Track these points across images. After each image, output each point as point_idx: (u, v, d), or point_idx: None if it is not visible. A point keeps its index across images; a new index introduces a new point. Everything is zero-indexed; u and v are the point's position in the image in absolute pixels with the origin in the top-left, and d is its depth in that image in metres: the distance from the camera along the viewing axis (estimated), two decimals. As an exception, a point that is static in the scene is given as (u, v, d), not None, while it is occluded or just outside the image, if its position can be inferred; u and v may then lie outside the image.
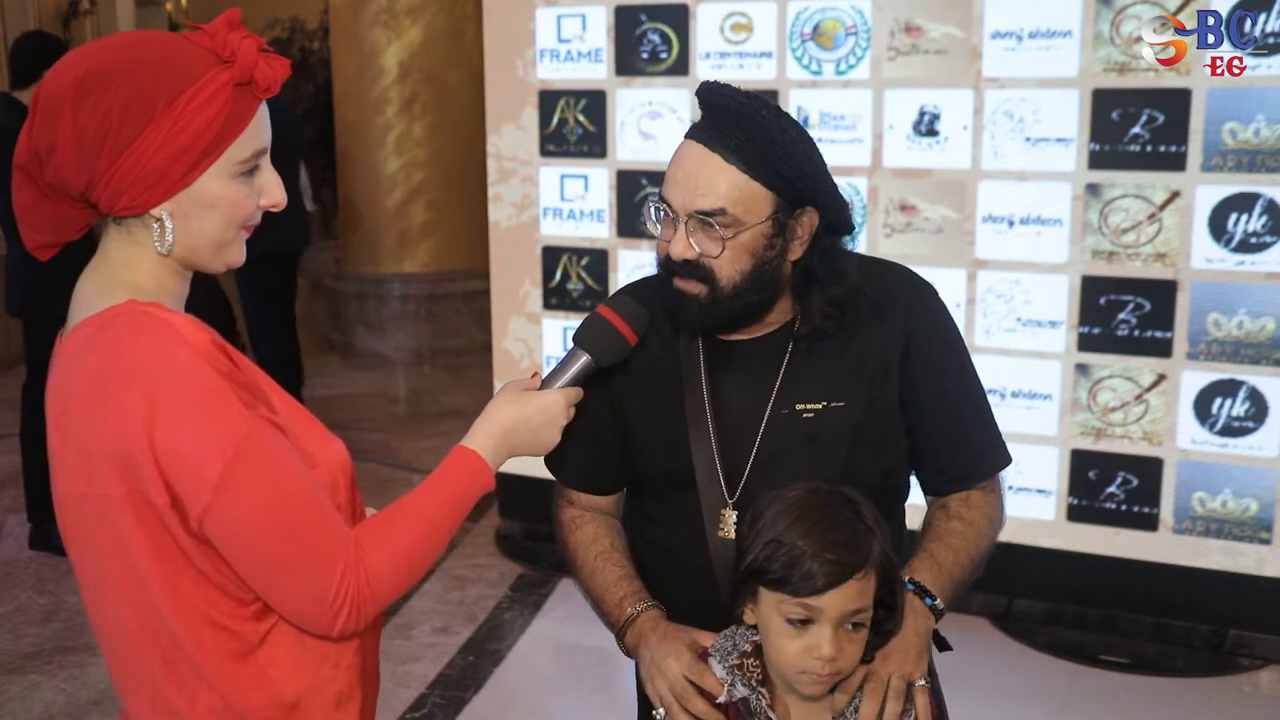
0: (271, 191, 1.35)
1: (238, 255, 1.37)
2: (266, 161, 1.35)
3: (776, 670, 1.49)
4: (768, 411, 1.66)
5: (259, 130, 1.32)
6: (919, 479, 1.76)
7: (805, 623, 1.42)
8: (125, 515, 1.25)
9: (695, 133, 1.60)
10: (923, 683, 1.53)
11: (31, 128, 1.27)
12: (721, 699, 1.51)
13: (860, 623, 1.44)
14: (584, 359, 1.57)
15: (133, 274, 1.32)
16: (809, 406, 1.65)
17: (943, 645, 1.68)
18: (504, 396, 1.51)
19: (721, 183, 1.55)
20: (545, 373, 1.58)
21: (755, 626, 1.50)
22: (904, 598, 1.52)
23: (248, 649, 1.32)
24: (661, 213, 1.62)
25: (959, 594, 1.67)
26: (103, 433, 1.24)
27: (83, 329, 1.30)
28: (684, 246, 1.57)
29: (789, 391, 1.66)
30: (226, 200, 1.31)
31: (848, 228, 1.66)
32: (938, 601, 1.61)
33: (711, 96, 1.60)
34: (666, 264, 1.62)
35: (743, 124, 1.56)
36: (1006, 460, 1.76)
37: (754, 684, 1.50)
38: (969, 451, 1.73)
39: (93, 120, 1.23)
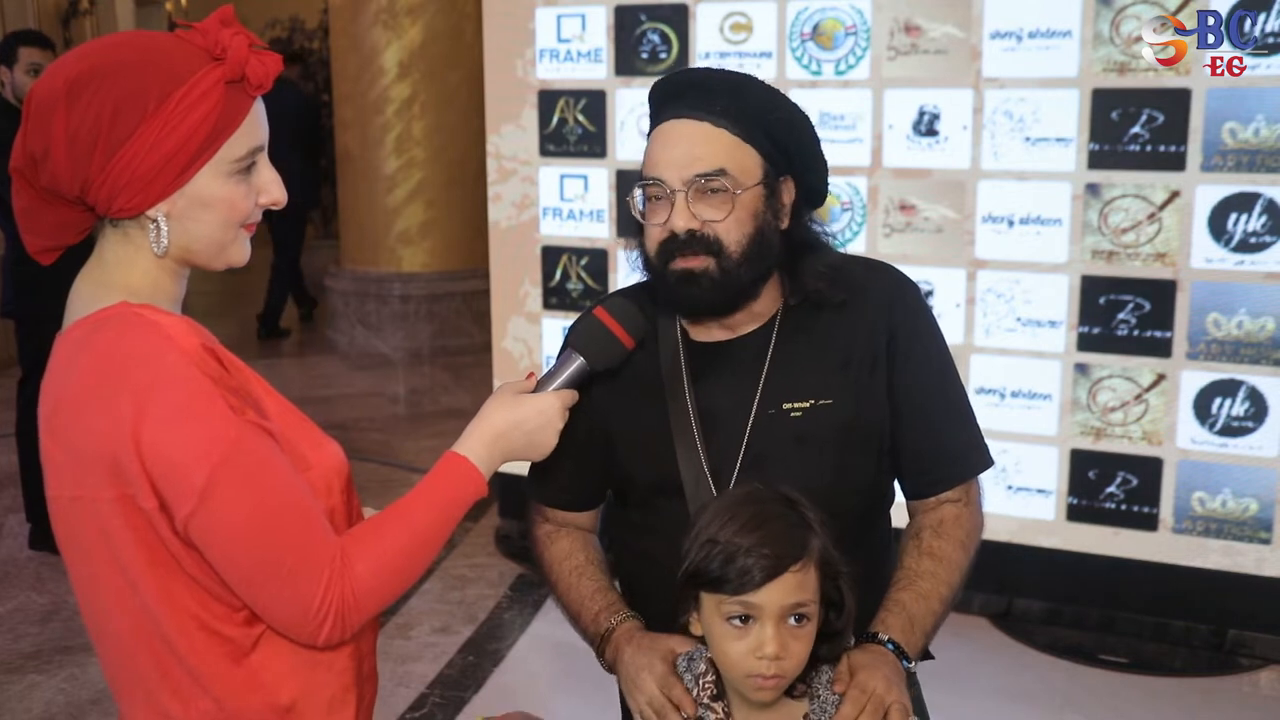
0: (270, 190, 1.34)
1: (240, 254, 1.36)
2: (264, 159, 1.34)
3: (729, 680, 1.46)
4: (753, 412, 1.63)
5: (254, 128, 1.31)
6: (898, 479, 1.74)
7: (747, 620, 1.39)
8: (115, 518, 1.25)
9: (675, 112, 1.58)
10: None
11: (25, 132, 1.27)
12: (691, 715, 1.49)
13: (803, 615, 1.40)
14: (578, 362, 1.55)
15: (127, 276, 1.31)
16: (797, 405, 1.62)
17: (924, 654, 1.67)
18: (497, 400, 1.49)
19: (716, 145, 1.55)
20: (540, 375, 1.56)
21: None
22: (853, 597, 1.46)
23: (241, 653, 1.31)
24: (647, 199, 1.59)
25: (931, 639, 1.65)
26: (92, 435, 1.24)
27: (75, 330, 1.30)
28: (687, 217, 1.55)
29: (774, 390, 1.63)
30: (223, 200, 1.30)
31: (821, 196, 1.66)
32: (912, 665, 1.58)
33: (683, 76, 1.61)
34: (666, 248, 1.58)
35: (727, 90, 1.57)
36: (987, 463, 1.73)
37: (707, 701, 1.48)
38: (948, 453, 1.70)
39: (85, 122, 1.23)
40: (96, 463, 1.24)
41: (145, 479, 1.22)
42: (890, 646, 1.56)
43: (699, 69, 1.63)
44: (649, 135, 1.63)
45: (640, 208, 1.61)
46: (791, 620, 1.40)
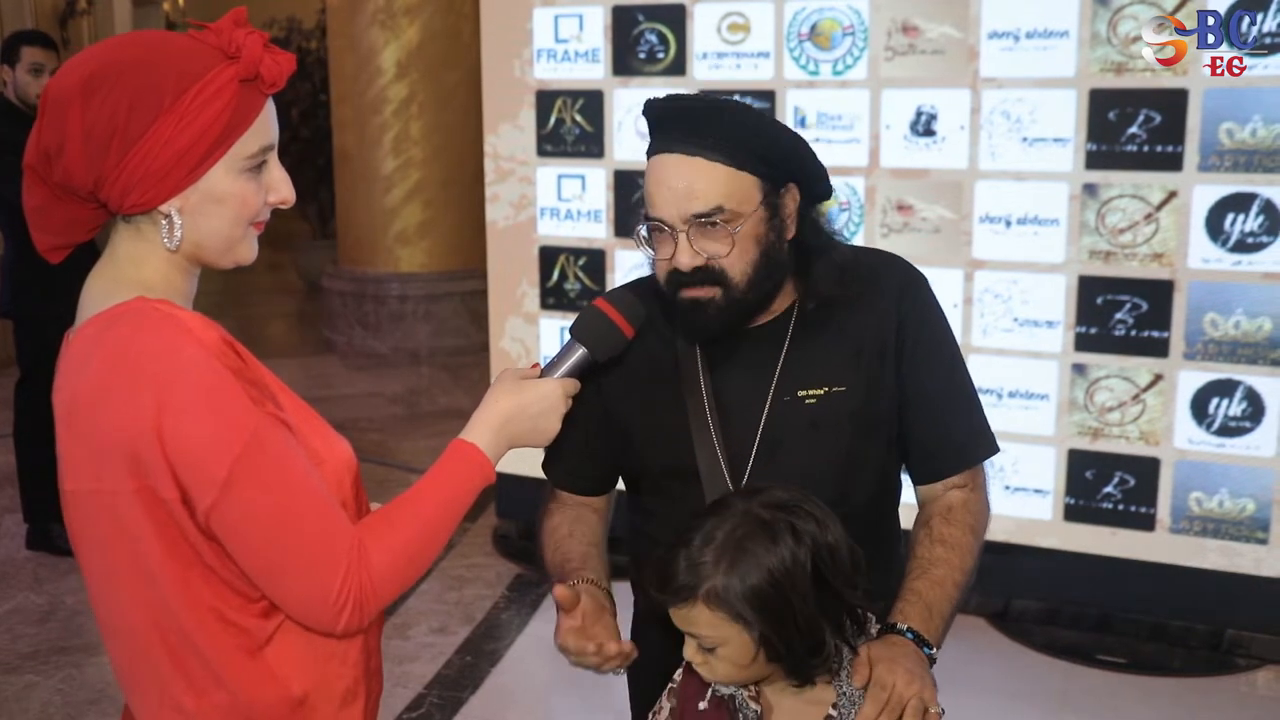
0: (280, 188, 1.36)
1: (248, 253, 1.37)
2: (274, 158, 1.35)
3: None
4: (769, 399, 1.66)
5: (266, 126, 1.32)
6: (906, 466, 1.77)
7: None
8: (135, 511, 1.26)
9: (664, 146, 1.59)
10: (936, 709, 1.48)
11: (40, 128, 1.28)
12: (703, 705, 1.50)
13: (705, 646, 1.43)
14: (580, 352, 1.57)
15: (141, 272, 1.32)
16: (811, 392, 1.66)
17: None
18: (501, 386, 1.50)
19: (711, 182, 1.55)
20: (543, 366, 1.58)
21: None
22: (803, 643, 1.43)
23: (256, 645, 1.32)
24: (653, 235, 1.61)
25: (950, 624, 1.66)
26: (111, 428, 1.24)
27: (90, 326, 1.30)
28: (690, 255, 1.57)
29: (790, 378, 1.66)
30: (234, 196, 1.31)
31: (827, 193, 1.68)
32: (934, 651, 1.59)
33: (670, 105, 1.60)
34: (674, 279, 1.60)
35: (711, 121, 1.57)
36: (993, 449, 1.76)
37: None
38: (955, 440, 1.73)
39: (100, 117, 1.24)
40: (116, 455, 1.24)
41: (167, 470, 1.23)
42: (910, 635, 1.58)
43: (683, 98, 1.62)
44: (647, 162, 1.63)
45: (647, 244, 1.63)
46: (699, 645, 1.44)
